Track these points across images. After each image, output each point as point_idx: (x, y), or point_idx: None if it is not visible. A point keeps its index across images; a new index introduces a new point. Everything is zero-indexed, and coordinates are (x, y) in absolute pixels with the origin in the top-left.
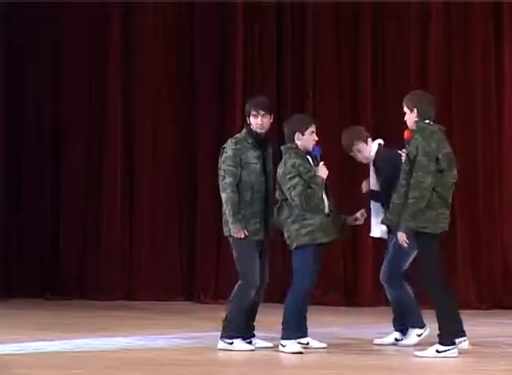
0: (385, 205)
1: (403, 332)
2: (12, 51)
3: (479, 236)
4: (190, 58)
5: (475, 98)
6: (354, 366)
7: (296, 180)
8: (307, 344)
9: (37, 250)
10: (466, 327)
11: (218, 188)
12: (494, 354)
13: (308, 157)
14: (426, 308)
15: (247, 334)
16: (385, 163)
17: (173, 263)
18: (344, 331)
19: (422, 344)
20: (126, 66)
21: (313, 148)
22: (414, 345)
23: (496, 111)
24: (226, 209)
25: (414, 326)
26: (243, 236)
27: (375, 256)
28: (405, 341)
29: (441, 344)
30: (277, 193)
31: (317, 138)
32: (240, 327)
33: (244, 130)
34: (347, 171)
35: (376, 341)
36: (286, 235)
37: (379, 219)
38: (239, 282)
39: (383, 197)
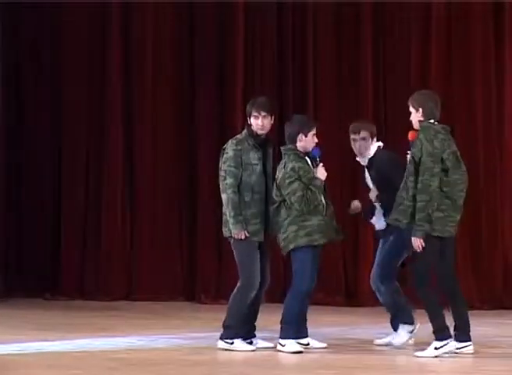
0: (386, 204)
1: (409, 321)
2: (12, 51)
3: (480, 236)
4: (190, 58)
5: (475, 98)
6: (354, 366)
7: (296, 185)
8: (308, 344)
9: (37, 250)
10: None
11: (219, 188)
12: (495, 354)
13: (307, 158)
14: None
15: (248, 335)
16: (385, 163)
17: (174, 263)
18: (344, 331)
19: (421, 345)
20: (126, 66)
21: (312, 150)
22: (407, 342)
23: (496, 111)
24: (227, 210)
25: (405, 323)
26: (243, 237)
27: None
28: (397, 339)
29: (437, 340)
30: (274, 193)
31: (317, 140)
32: (240, 328)
33: (245, 131)
34: (347, 171)
35: (377, 341)
36: (281, 237)
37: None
38: (238, 283)
39: (384, 197)
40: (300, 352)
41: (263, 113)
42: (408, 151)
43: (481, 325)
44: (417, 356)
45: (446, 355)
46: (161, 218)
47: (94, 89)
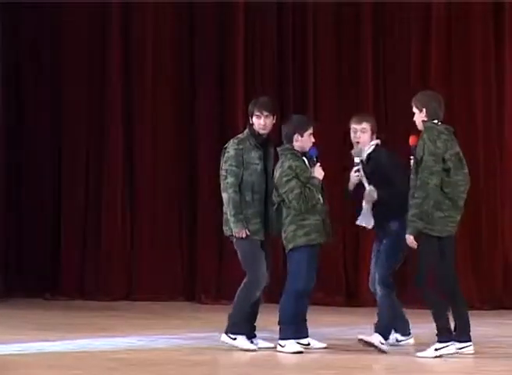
0: (382, 202)
1: (403, 332)
2: (12, 51)
3: (480, 236)
4: (190, 58)
5: (475, 98)
6: (354, 366)
7: (293, 183)
8: (308, 344)
9: (37, 250)
10: None
11: (219, 188)
12: (495, 354)
13: (304, 158)
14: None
15: (249, 334)
16: (385, 159)
17: (174, 263)
18: (344, 331)
19: (422, 345)
20: (126, 66)
21: (309, 149)
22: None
23: (496, 111)
24: (228, 209)
25: (396, 331)
26: (244, 235)
27: None
28: (368, 337)
29: (438, 342)
30: (274, 194)
31: (313, 140)
32: (243, 326)
33: (247, 131)
34: (347, 171)
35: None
36: (283, 236)
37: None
38: (245, 279)
39: (380, 194)
40: (300, 352)
41: (265, 113)
42: (411, 157)
43: (482, 325)
44: (418, 356)
45: (447, 356)
46: (161, 218)
47: (94, 89)
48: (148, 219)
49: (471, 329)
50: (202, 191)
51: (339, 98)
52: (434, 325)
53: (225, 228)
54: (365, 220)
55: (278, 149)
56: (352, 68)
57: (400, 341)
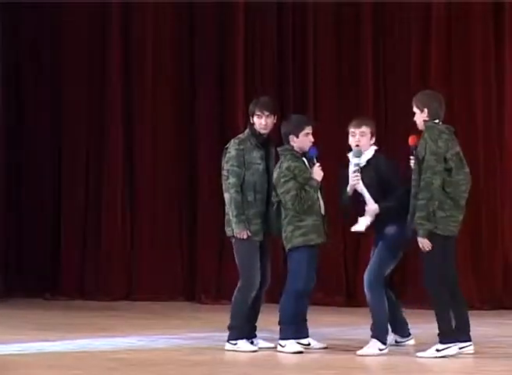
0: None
1: (403, 334)
2: (12, 51)
3: (480, 236)
4: (190, 58)
5: (475, 98)
6: (354, 366)
7: (291, 184)
8: (308, 344)
9: (37, 250)
10: None
11: (219, 188)
12: (495, 354)
13: (304, 159)
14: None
15: (249, 335)
16: (386, 165)
17: (174, 263)
18: (344, 331)
19: (422, 345)
20: (126, 66)
21: (309, 149)
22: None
23: (496, 111)
24: (230, 210)
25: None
26: (245, 236)
27: None
28: (365, 349)
29: (440, 342)
30: (273, 194)
31: (312, 139)
32: (243, 328)
33: (247, 131)
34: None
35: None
36: (282, 236)
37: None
38: (239, 284)
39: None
40: (301, 352)
41: (266, 113)
42: (411, 156)
43: (482, 325)
44: (418, 356)
45: (447, 356)
46: (161, 218)
47: (94, 89)
48: (148, 219)
49: (471, 329)
50: (202, 191)
51: (339, 98)
52: (434, 325)
53: (227, 229)
54: (357, 226)
55: (278, 149)
56: (352, 68)
57: (400, 343)
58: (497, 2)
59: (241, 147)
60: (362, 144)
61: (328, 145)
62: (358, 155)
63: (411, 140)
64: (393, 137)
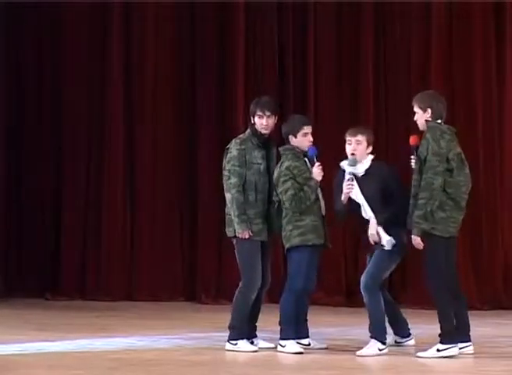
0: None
1: (403, 335)
2: (11, 51)
3: (480, 236)
4: (190, 58)
5: (475, 98)
6: (354, 367)
7: (289, 184)
8: (309, 345)
9: (37, 250)
10: None
11: (219, 188)
12: (495, 354)
13: (306, 159)
14: (423, 309)
15: (250, 335)
16: (388, 172)
17: (174, 263)
18: (344, 331)
19: (423, 346)
20: (126, 66)
21: (308, 149)
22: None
23: (496, 111)
24: (231, 210)
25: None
26: (247, 236)
27: None
28: (365, 350)
29: (441, 343)
30: (274, 193)
31: (311, 139)
32: (243, 328)
33: (249, 131)
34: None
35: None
36: (282, 235)
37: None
38: (240, 284)
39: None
40: (301, 353)
41: (267, 113)
42: (411, 156)
43: (481, 325)
44: (419, 357)
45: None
46: (161, 218)
47: (94, 89)
48: (148, 219)
49: (471, 329)
50: (202, 191)
51: (339, 98)
52: (434, 325)
53: (228, 229)
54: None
55: (280, 149)
56: (352, 68)
57: (400, 343)
58: (498, 2)
59: (242, 147)
60: (358, 152)
61: (327, 145)
62: (353, 163)
63: (412, 140)
64: (394, 137)
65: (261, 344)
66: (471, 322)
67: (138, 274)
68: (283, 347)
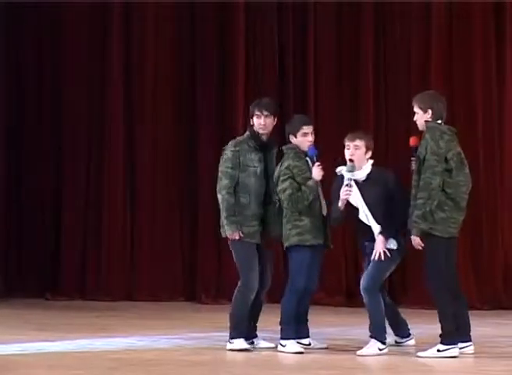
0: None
1: (403, 335)
2: (11, 51)
3: (480, 236)
4: (190, 58)
5: (475, 98)
6: (354, 366)
7: (287, 183)
8: (309, 344)
9: (37, 250)
10: None
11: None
12: (495, 354)
13: (307, 159)
14: (423, 309)
15: (250, 335)
16: (391, 177)
17: (174, 263)
18: (344, 331)
19: (423, 346)
20: (126, 66)
21: (308, 149)
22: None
23: (496, 111)
24: (221, 211)
25: (397, 334)
26: (237, 237)
27: None
28: (365, 350)
29: (442, 343)
30: (274, 192)
31: (311, 139)
32: (242, 328)
33: (247, 133)
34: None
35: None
36: (282, 235)
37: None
38: (239, 284)
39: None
40: (301, 353)
41: (265, 113)
42: (412, 158)
43: (481, 325)
44: (419, 357)
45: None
46: (161, 218)
47: (94, 89)
48: (148, 219)
49: (471, 329)
50: (202, 191)
51: (339, 98)
52: (434, 325)
53: (222, 230)
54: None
55: (283, 148)
56: (352, 68)
57: (400, 343)
58: (498, 2)
59: (237, 148)
60: (356, 158)
61: (327, 145)
62: (351, 169)
63: (412, 140)
64: (394, 137)
65: (262, 343)
66: (471, 322)
67: (138, 274)
68: (284, 346)
